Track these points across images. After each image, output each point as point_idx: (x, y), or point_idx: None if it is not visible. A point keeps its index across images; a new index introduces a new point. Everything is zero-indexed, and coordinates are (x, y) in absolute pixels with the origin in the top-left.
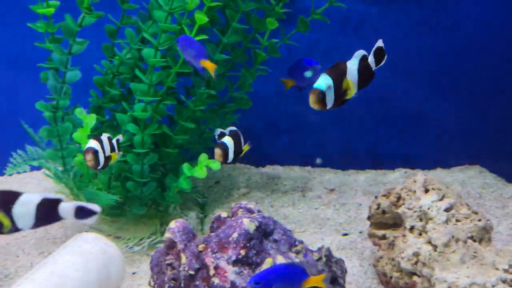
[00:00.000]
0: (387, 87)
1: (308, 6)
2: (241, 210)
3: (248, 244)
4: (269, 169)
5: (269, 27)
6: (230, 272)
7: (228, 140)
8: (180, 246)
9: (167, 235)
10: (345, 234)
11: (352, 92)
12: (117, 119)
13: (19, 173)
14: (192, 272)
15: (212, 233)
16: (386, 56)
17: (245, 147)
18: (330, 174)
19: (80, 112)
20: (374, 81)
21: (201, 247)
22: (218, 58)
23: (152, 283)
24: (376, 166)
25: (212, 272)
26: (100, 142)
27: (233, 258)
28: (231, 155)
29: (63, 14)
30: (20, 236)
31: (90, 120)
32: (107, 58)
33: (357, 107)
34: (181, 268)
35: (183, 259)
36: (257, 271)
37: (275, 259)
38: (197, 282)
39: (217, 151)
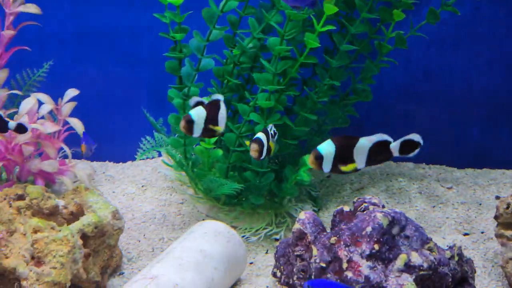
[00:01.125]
0: (501, 87)
1: None
2: (365, 204)
3: (381, 239)
4: (382, 165)
5: (396, 18)
6: (364, 266)
7: (262, 136)
8: (310, 237)
9: (297, 226)
10: (466, 234)
11: (354, 166)
12: (239, 109)
13: (148, 158)
14: (323, 265)
15: (344, 226)
16: (418, 150)
17: (271, 144)
18: (446, 172)
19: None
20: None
21: (333, 239)
22: (345, 49)
23: (279, 274)
24: (494, 165)
25: (345, 265)
26: None
27: (367, 252)
28: (265, 152)
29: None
30: (140, 221)
31: None
32: (228, 48)
33: (475, 105)
34: (311, 260)
35: (314, 251)
36: (390, 267)
37: (409, 255)
38: (329, 275)
39: (254, 147)
